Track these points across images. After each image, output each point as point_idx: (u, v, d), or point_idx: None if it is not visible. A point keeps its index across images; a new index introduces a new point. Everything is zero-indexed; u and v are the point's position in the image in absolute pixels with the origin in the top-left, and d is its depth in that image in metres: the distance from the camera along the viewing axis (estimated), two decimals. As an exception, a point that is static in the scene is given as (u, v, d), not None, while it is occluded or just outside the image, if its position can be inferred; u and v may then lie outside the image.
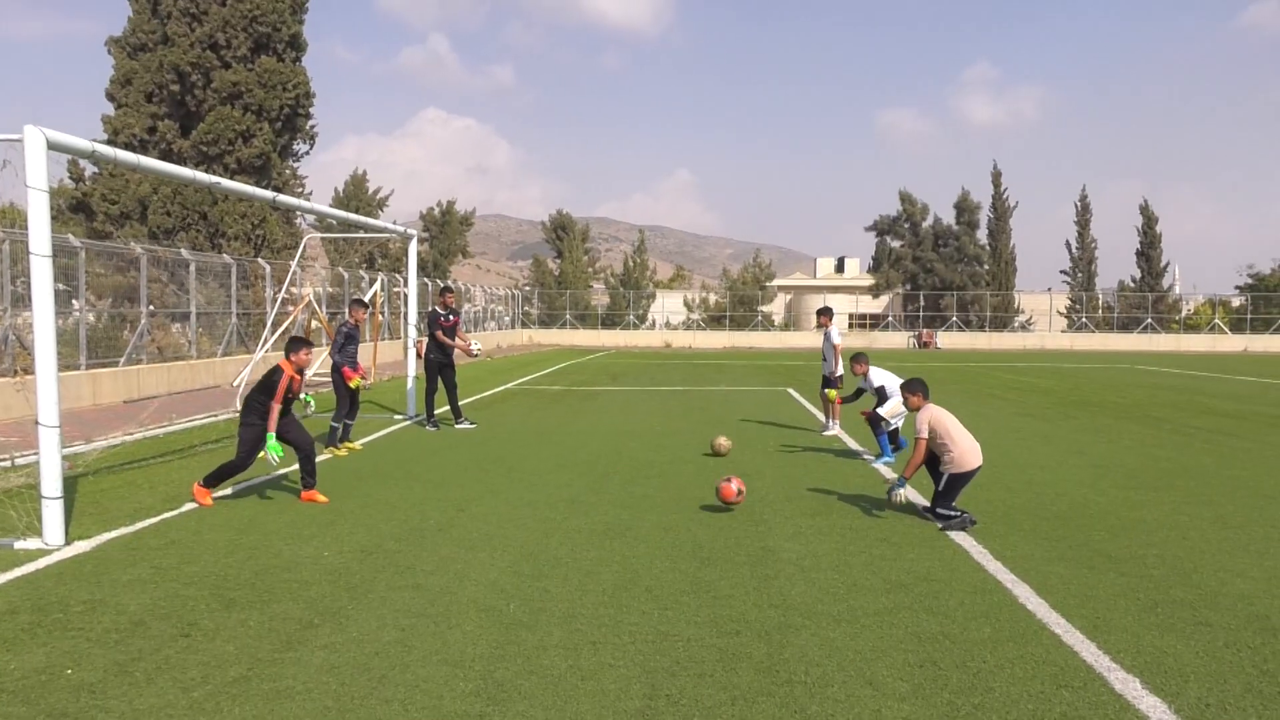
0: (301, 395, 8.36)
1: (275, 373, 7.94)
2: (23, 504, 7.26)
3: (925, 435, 7.40)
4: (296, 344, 8.18)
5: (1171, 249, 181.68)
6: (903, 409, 10.47)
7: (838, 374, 12.78)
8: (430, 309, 13.45)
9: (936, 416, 7.48)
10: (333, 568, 5.99)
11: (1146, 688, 4.17)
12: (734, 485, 7.68)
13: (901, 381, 8.42)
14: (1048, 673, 4.33)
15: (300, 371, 8.12)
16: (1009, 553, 6.44)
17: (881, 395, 10.73)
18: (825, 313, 13.13)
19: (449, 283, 14.31)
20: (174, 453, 10.65)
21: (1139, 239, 59.12)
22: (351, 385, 10.87)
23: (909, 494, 8.13)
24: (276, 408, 7.85)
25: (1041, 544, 6.70)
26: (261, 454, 7.86)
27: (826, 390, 12.66)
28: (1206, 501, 8.28)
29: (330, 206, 18.72)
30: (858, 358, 11.23)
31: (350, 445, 11.03)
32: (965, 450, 7.32)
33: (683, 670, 4.34)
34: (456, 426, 13.07)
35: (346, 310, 11.51)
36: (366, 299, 25.41)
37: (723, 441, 10.84)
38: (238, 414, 8.54)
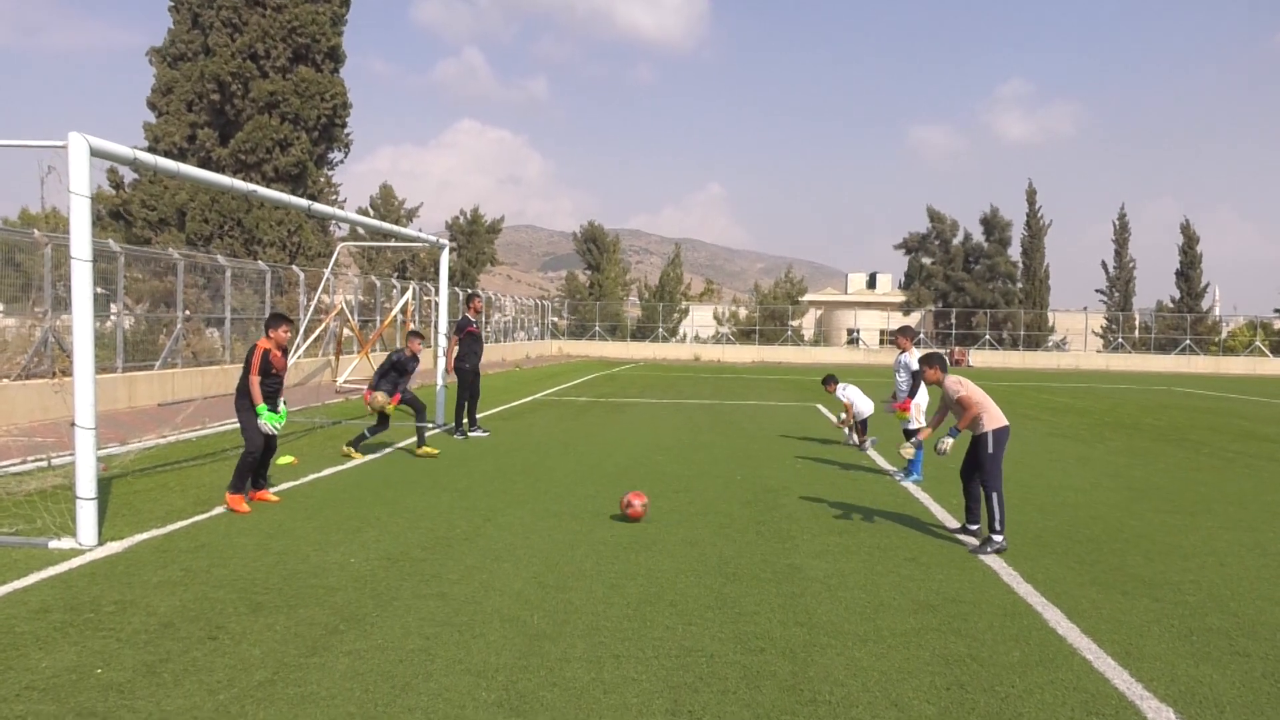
0: (280, 405, 8.18)
1: (251, 349, 7.95)
2: (58, 504, 7.40)
3: (966, 393, 7.26)
4: (276, 320, 8.13)
5: (1212, 269, 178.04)
6: (921, 412, 10.39)
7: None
8: (461, 316, 13.65)
9: (965, 380, 7.42)
10: (359, 574, 6.03)
11: (1181, 718, 4.09)
12: (637, 502, 7.73)
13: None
14: (1078, 700, 4.26)
15: (282, 349, 8.07)
16: (1040, 575, 6.35)
17: (917, 380, 10.51)
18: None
19: (478, 290, 14.45)
20: (206, 456, 10.79)
21: (1179, 259, 58.25)
22: (379, 407, 10.92)
23: (932, 504, 8.03)
24: (255, 379, 7.83)
25: (1074, 567, 6.60)
26: (272, 430, 7.92)
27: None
28: (1246, 527, 8.11)
29: (364, 215, 18.92)
30: (905, 330, 10.99)
31: (428, 449, 11.22)
32: (995, 409, 7.28)
33: (706, 686, 4.32)
34: (470, 435, 13.14)
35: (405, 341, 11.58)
36: (397, 309, 25.68)
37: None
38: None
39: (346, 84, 30.81)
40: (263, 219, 28.10)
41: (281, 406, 8.19)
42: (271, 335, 8.06)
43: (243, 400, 8.00)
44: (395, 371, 11.16)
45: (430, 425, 14.22)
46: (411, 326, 12.79)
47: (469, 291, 14.87)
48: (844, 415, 13.06)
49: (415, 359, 11.35)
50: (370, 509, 8.10)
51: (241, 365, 8.11)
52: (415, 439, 11.42)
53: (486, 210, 56.90)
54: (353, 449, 11.02)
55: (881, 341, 63.52)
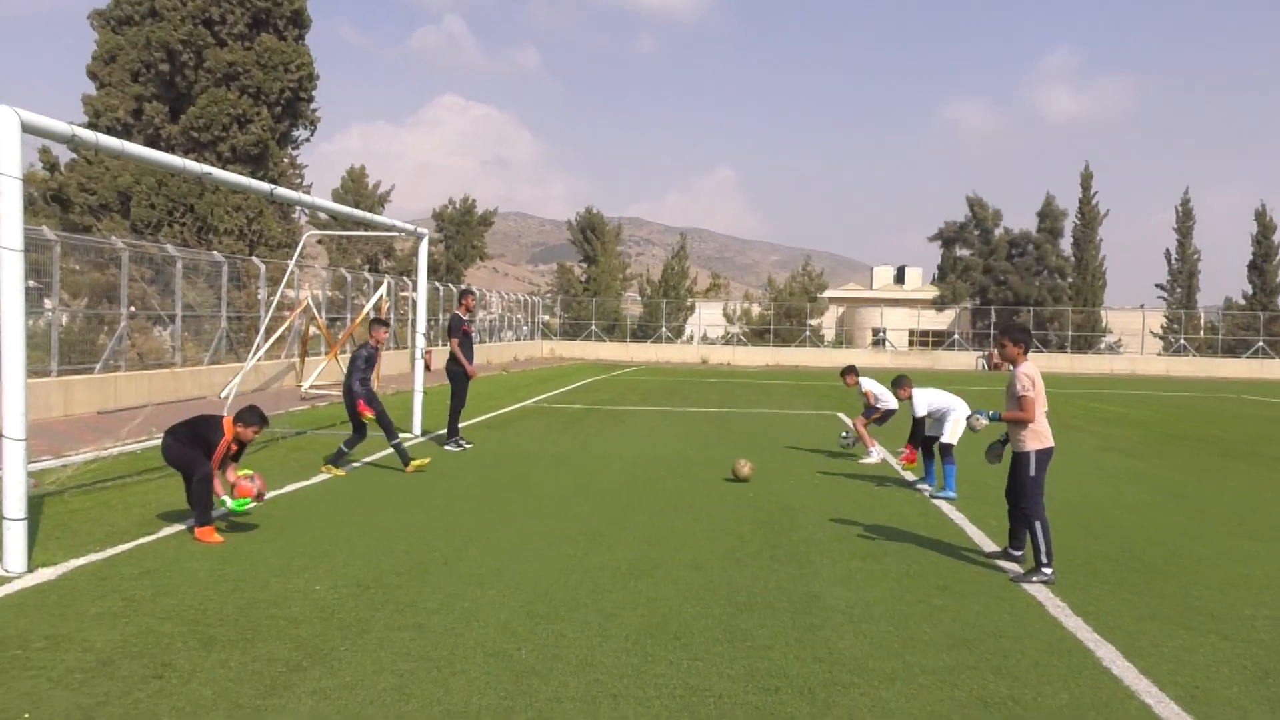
0: (257, 494, 7.96)
1: (215, 431, 7.88)
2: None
3: (1035, 396, 7.11)
4: (251, 415, 8.06)
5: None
6: (960, 428, 10.46)
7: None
8: (452, 314, 13.75)
9: (1040, 383, 7.22)
10: (325, 604, 6.02)
11: (1251, 768, 4.07)
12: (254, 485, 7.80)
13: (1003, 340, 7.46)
14: (1135, 747, 4.24)
15: (239, 443, 8.05)
16: (1091, 607, 6.33)
17: (919, 427, 10.98)
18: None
19: (468, 285, 14.95)
20: (153, 471, 10.78)
21: (1251, 249, 58.15)
22: (365, 419, 11.01)
23: (969, 526, 8.00)
24: (218, 472, 7.84)
25: (1130, 598, 6.58)
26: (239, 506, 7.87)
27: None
28: (1323, 553, 8.10)
29: (332, 202, 18.92)
30: (900, 381, 11.54)
31: (417, 462, 11.28)
32: (1045, 428, 7.20)
33: (714, 731, 4.30)
34: (445, 446, 13.11)
35: (369, 332, 11.76)
36: (371, 305, 25.68)
37: (745, 467, 11.05)
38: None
39: (313, 53, 30.88)
40: (218, 204, 28.14)
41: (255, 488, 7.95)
42: (239, 429, 7.98)
43: (169, 439, 7.89)
44: (370, 368, 11.22)
45: (408, 437, 14.22)
46: (375, 315, 13.10)
47: (461, 287, 15.04)
48: (855, 434, 13.35)
49: (377, 349, 11.52)
50: (338, 530, 8.09)
51: (193, 421, 8.06)
52: (400, 459, 11.27)
53: (470, 196, 56.86)
54: (333, 466, 10.97)
55: (911, 343, 63.47)
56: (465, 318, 13.57)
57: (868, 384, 13.25)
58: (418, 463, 11.23)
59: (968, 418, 7.41)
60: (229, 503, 7.83)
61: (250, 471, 8.10)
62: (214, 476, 7.80)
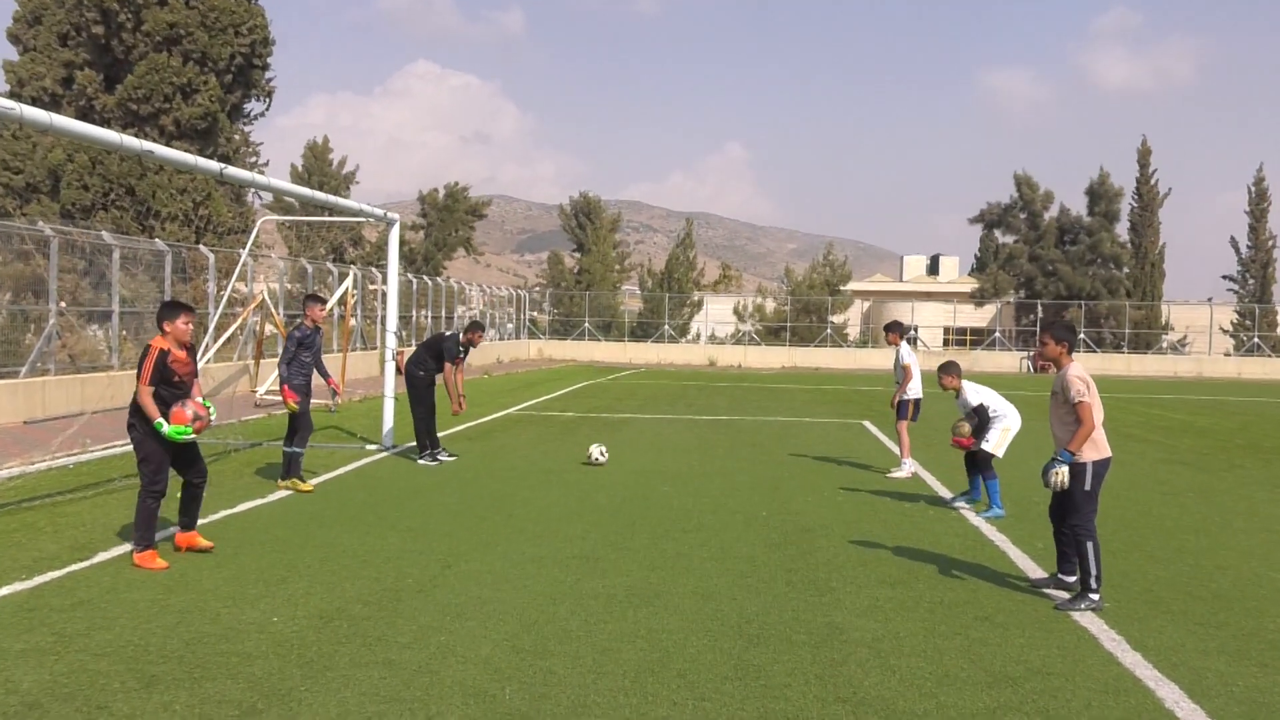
0: (201, 404, 7.88)
1: (143, 353, 7.73)
2: (-103, 548, 7.39)
3: (1092, 400, 7.17)
4: (172, 310, 7.88)
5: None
6: (1008, 439, 10.53)
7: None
8: (453, 333, 13.60)
9: (1093, 383, 7.28)
10: (283, 637, 6.02)
11: (1332, 821, 4.08)
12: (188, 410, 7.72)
13: (1052, 335, 7.66)
14: (1201, 797, 4.25)
15: (186, 347, 7.89)
16: (1151, 641, 6.34)
17: (982, 417, 10.69)
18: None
19: (479, 320, 15.09)
20: (87, 488, 10.78)
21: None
22: (288, 408, 10.98)
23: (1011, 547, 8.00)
24: (146, 390, 7.59)
25: (1196, 631, 6.59)
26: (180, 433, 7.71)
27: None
28: None
29: (290, 182, 18.91)
30: (948, 367, 11.16)
31: (304, 485, 11.06)
32: (1102, 434, 7.24)
33: (724, 780, 4.31)
34: (419, 460, 13.09)
35: (303, 309, 11.61)
36: (336, 299, 25.71)
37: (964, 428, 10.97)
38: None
39: (267, 14, 30.91)
40: (160, 186, 28.14)
41: (190, 413, 7.81)
42: (167, 330, 7.80)
43: (135, 418, 7.79)
44: (305, 351, 11.13)
45: (373, 449, 14.24)
46: (313, 292, 13.10)
47: (471, 318, 14.99)
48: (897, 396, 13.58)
49: (318, 330, 11.40)
50: (298, 554, 8.10)
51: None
52: (284, 465, 11.15)
53: (462, 182, 56.74)
54: (297, 481, 10.93)
55: (946, 342, 63.52)
56: (461, 351, 13.41)
57: (909, 354, 13.25)
58: (299, 484, 10.94)
59: (1046, 475, 7.27)
60: (165, 427, 7.63)
61: (208, 404, 7.99)
62: (144, 397, 7.60)
